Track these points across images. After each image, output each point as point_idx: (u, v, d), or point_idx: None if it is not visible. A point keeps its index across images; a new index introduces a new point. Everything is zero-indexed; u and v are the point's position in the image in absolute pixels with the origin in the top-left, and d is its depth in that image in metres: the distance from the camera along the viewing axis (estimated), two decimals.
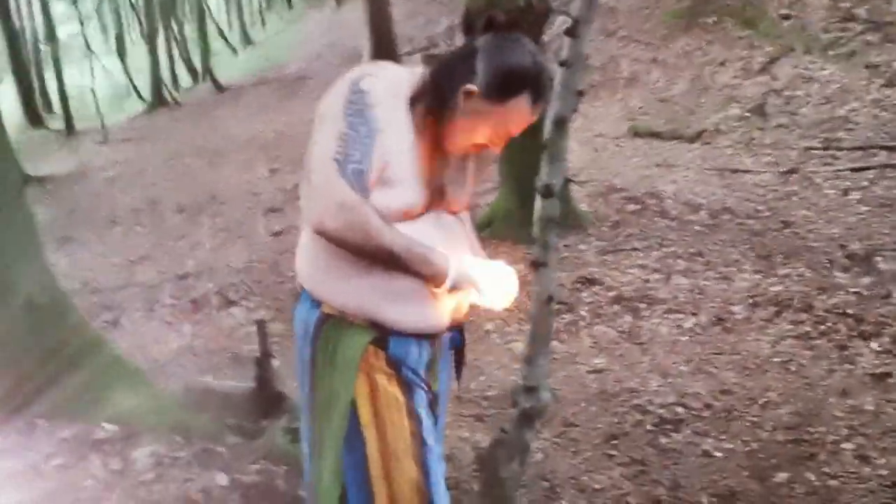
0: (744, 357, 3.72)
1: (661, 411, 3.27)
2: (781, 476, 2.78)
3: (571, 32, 2.13)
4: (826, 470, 2.79)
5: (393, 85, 1.54)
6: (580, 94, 2.18)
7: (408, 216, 1.54)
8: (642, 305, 4.28)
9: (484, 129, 1.54)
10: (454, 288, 1.56)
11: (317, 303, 1.59)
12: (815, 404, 3.23)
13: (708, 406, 3.29)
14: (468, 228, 1.74)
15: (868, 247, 4.77)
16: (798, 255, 4.75)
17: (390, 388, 1.55)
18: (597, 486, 2.79)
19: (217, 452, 2.21)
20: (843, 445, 2.93)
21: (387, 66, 1.60)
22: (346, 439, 1.54)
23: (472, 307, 1.70)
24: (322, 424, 1.58)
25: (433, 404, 1.65)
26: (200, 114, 14.38)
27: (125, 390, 2.39)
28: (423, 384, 1.61)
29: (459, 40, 1.63)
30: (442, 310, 1.60)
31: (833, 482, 2.73)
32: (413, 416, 1.56)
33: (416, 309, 1.56)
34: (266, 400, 2.70)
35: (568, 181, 2.22)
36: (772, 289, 4.30)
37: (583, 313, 4.26)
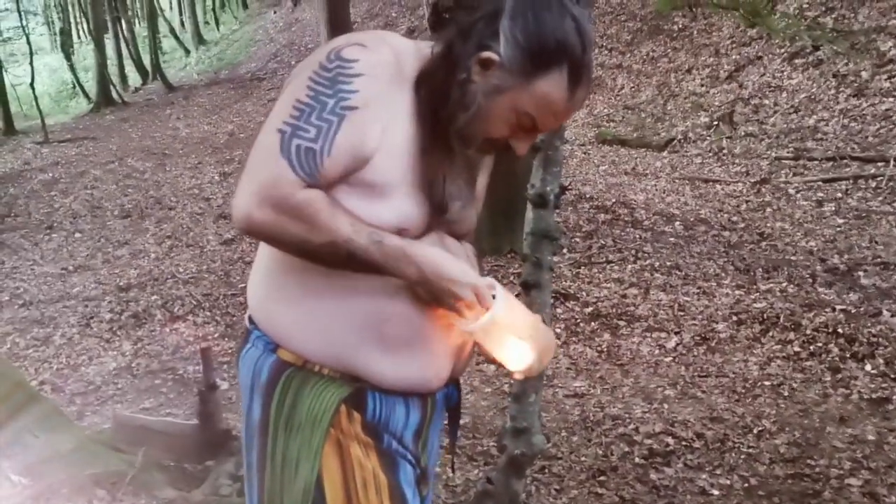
0: (732, 380, 3.48)
1: (649, 441, 3.00)
2: None
3: None
4: None
5: (392, 60, 1.15)
6: None
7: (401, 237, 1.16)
8: (621, 323, 4.03)
9: (504, 117, 1.14)
10: (492, 327, 1.15)
11: (272, 345, 1.21)
12: (813, 433, 2.99)
13: (699, 435, 3.03)
14: (475, 262, 1.33)
15: (849, 261, 4.60)
16: (779, 270, 4.55)
17: (368, 463, 1.19)
18: None
19: None
20: (849, 481, 2.69)
21: (387, 37, 1.20)
22: None
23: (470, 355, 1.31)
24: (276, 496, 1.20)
25: (421, 481, 1.27)
26: (149, 114, 13.80)
27: (39, 431, 2.01)
28: (409, 456, 1.24)
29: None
30: (443, 359, 1.23)
31: None
32: (397, 499, 1.19)
33: (410, 358, 1.19)
34: (210, 438, 2.34)
35: (564, 190, 1.93)
36: (755, 305, 4.08)
37: (558, 331, 3.98)
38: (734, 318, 3.97)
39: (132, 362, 4.07)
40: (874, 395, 3.21)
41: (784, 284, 4.33)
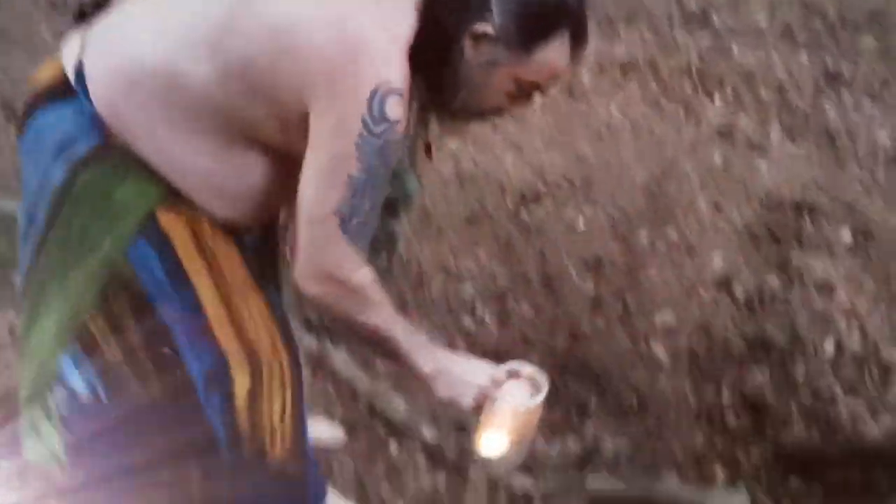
0: (596, 125, 3.63)
1: (521, 188, 3.16)
2: (644, 237, 2.79)
3: None
4: (684, 225, 2.82)
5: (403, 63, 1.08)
6: None
7: None
8: None
9: (504, 89, 1.11)
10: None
11: (101, 124, 1.17)
12: (669, 164, 3.22)
13: (567, 178, 3.20)
14: None
15: (705, 3, 4.71)
16: (639, 18, 4.62)
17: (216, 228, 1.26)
18: (464, 269, 2.69)
19: None
20: (699, 201, 2.96)
21: (397, 33, 1.09)
22: (166, 290, 1.22)
23: None
24: (58, 269, 1.22)
25: None
26: None
27: None
28: None
29: None
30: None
31: (692, 236, 2.76)
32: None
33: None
34: None
35: None
36: (617, 52, 4.17)
37: None
38: (597, 67, 4.06)
39: None
40: (721, 125, 3.44)
41: (644, 32, 4.42)
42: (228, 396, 1.29)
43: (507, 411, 1.22)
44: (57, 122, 1.18)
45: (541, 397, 1.24)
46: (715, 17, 4.49)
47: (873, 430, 2.05)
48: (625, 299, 2.56)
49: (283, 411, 1.35)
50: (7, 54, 4.98)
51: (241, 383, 1.28)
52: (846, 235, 2.71)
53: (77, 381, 1.30)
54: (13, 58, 4.93)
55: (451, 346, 2.28)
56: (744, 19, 4.39)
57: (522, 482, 1.61)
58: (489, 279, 2.65)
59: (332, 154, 1.09)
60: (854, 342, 2.33)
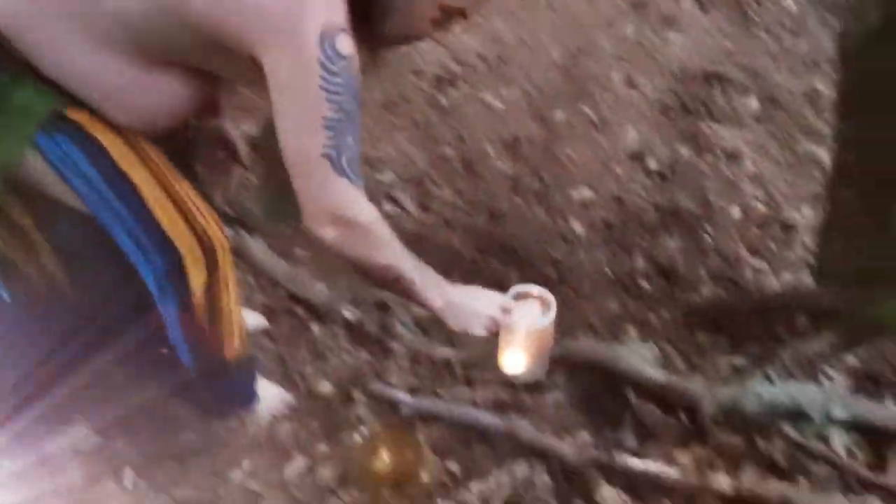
0: (510, 2, 3.55)
1: (436, 70, 3.09)
2: (560, 115, 2.79)
3: None
4: (599, 100, 2.84)
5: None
6: None
7: None
8: None
9: (427, 15, 1.15)
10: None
11: None
12: (584, 39, 3.19)
13: (482, 58, 3.15)
14: None
15: None
16: None
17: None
18: (383, 156, 2.65)
19: None
20: (613, 75, 2.97)
21: None
22: (98, 185, 1.19)
23: None
24: None
25: None
26: None
27: None
28: None
29: None
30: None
31: (607, 111, 2.78)
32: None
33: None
34: None
35: None
36: None
37: None
38: None
39: None
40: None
41: None
42: (185, 294, 1.28)
43: (520, 333, 1.27)
44: None
45: (552, 315, 1.29)
46: None
47: (775, 285, 2.17)
48: (542, 177, 2.58)
49: (236, 295, 1.37)
50: None
51: (197, 277, 1.27)
52: (753, 104, 2.78)
53: None
54: None
55: None
56: None
57: (443, 351, 1.66)
58: (408, 164, 2.63)
59: (303, 104, 1.09)
60: (759, 206, 2.44)
